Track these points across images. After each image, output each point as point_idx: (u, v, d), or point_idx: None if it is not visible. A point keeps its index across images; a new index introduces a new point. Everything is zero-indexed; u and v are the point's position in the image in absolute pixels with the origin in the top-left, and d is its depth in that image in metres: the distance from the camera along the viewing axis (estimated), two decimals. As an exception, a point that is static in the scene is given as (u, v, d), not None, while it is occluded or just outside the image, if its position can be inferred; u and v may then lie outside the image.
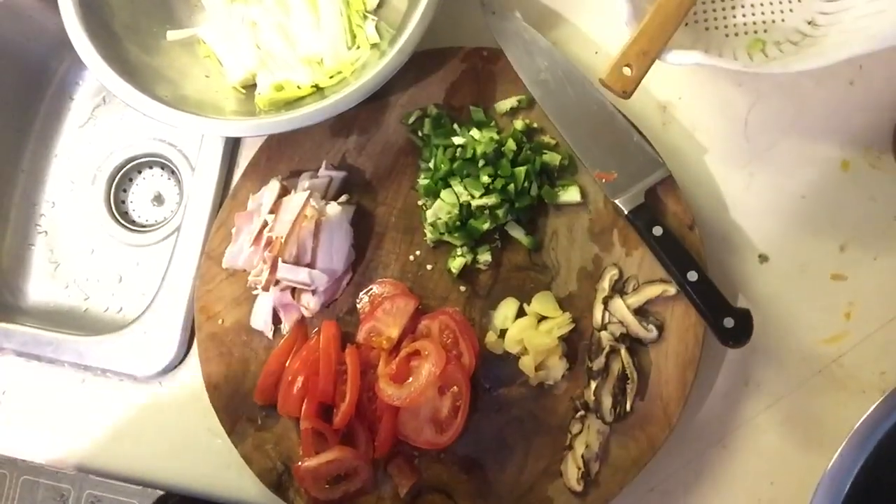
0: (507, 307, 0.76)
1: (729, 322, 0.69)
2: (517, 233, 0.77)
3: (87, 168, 1.01)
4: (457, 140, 0.78)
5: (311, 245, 0.76)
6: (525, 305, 0.75)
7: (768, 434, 0.74)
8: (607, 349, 0.72)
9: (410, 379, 0.71)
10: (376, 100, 0.79)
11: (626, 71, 0.66)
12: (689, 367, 0.72)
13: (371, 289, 0.78)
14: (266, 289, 0.76)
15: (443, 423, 0.72)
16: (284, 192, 0.79)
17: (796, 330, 0.75)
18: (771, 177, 0.78)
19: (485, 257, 0.77)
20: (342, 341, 0.77)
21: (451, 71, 0.81)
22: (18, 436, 0.86)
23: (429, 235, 0.78)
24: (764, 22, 0.77)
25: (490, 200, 0.75)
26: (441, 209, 0.76)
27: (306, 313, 0.78)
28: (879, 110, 0.77)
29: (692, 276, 0.70)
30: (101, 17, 0.79)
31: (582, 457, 0.71)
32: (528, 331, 0.73)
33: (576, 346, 0.74)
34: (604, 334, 0.73)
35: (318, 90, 0.81)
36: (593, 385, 0.72)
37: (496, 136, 0.77)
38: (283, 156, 0.82)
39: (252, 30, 0.83)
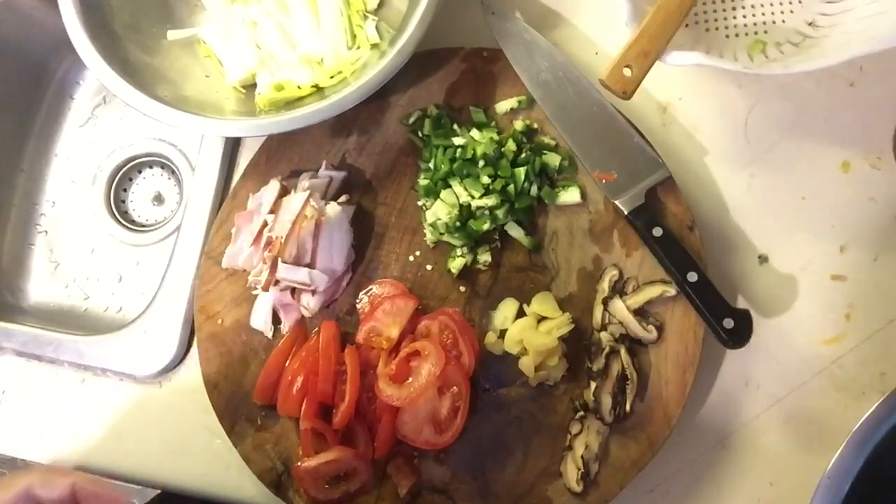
0: (507, 307, 0.76)
1: (729, 323, 0.69)
2: (517, 233, 0.77)
3: (87, 167, 1.01)
4: (457, 140, 0.78)
5: (310, 245, 0.76)
6: (525, 306, 0.75)
7: (768, 435, 0.74)
8: (607, 350, 0.72)
9: (410, 379, 0.71)
10: (376, 100, 0.79)
11: (627, 72, 0.66)
12: (689, 367, 0.72)
13: (371, 289, 0.78)
14: (266, 289, 0.76)
15: (442, 423, 0.72)
16: (284, 192, 0.78)
17: (796, 331, 0.75)
18: (771, 177, 0.78)
19: (484, 258, 0.77)
20: (342, 341, 0.77)
21: (451, 71, 0.81)
22: (18, 436, 0.86)
23: (428, 236, 0.78)
24: (765, 23, 0.77)
25: (490, 201, 0.75)
26: (441, 210, 0.76)
27: (306, 313, 0.78)
28: (880, 111, 0.77)
29: (692, 276, 0.70)
30: (101, 17, 0.79)
31: (581, 457, 0.71)
32: (527, 331, 0.73)
33: (575, 346, 0.74)
34: (603, 335, 0.73)
35: (318, 90, 0.81)
36: (593, 386, 0.72)
37: (496, 137, 0.77)
38: (283, 156, 0.82)
39: (252, 30, 0.83)
